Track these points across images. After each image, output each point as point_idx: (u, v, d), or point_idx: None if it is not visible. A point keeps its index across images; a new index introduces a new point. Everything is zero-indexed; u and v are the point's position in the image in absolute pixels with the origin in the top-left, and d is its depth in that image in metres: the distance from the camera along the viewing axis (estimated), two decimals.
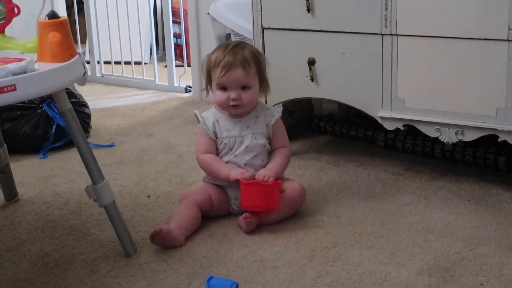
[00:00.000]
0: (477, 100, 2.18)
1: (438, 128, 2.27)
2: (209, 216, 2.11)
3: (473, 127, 2.20)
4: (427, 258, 1.84)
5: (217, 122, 2.14)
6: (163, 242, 1.93)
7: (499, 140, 2.17)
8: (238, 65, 2.06)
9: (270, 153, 2.18)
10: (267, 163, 2.14)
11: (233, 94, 2.08)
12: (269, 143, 2.17)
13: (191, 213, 2.04)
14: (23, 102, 2.84)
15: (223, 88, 2.10)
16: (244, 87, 2.09)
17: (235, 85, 2.08)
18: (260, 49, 2.56)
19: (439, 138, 2.28)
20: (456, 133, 2.24)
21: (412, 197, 2.27)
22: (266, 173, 2.06)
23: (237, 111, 2.11)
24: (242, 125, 2.14)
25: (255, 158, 2.13)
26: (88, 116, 3.11)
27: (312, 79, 2.50)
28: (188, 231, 2.00)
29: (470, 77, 2.17)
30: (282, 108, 2.19)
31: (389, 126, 2.38)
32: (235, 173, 2.06)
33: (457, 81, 2.20)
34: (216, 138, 2.14)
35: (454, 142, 2.26)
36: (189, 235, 2.00)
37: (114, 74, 4.29)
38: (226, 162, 2.12)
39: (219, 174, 2.10)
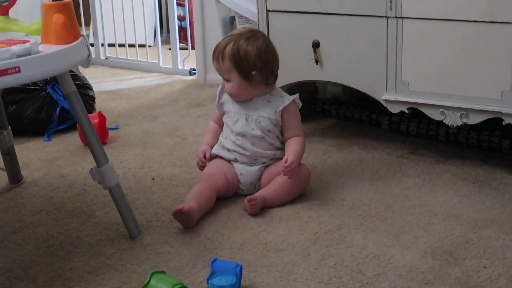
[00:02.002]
0: (482, 83, 2.18)
1: (442, 111, 2.26)
2: (220, 197, 2.12)
3: (478, 110, 2.20)
4: (431, 241, 1.84)
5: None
6: (182, 220, 1.95)
7: (503, 123, 2.17)
8: (214, 58, 2.15)
9: (283, 142, 2.19)
10: (277, 147, 2.17)
11: (222, 82, 2.18)
12: (281, 131, 2.18)
13: (210, 198, 2.07)
14: (27, 85, 2.84)
15: None
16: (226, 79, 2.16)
17: (220, 74, 2.18)
18: (265, 32, 2.55)
19: (443, 121, 2.28)
20: (461, 116, 2.24)
21: (416, 180, 2.26)
22: (292, 162, 2.07)
23: (231, 97, 2.18)
24: (251, 105, 2.17)
25: (263, 140, 2.14)
26: (92, 98, 3.11)
27: (316, 62, 2.49)
28: (201, 215, 2.02)
29: (475, 60, 2.17)
30: (298, 97, 2.19)
31: (394, 109, 2.37)
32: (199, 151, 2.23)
33: (462, 64, 2.19)
34: (223, 110, 2.22)
35: (459, 125, 2.25)
36: None
37: (118, 56, 4.29)
38: (233, 141, 2.15)
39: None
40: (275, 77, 2.19)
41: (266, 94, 2.17)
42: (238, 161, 2.16)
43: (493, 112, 2.17)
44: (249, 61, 2.10)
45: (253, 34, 2.15)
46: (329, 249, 1.82)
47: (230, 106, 2.20)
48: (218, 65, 2.14)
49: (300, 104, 2.20)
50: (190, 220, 1.95)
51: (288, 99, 2.17)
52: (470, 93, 2.20)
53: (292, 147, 2.14)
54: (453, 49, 2.20)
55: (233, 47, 2.11)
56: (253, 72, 2.11)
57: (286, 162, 2.07)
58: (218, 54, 2.13)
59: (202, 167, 2.21)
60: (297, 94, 2.20)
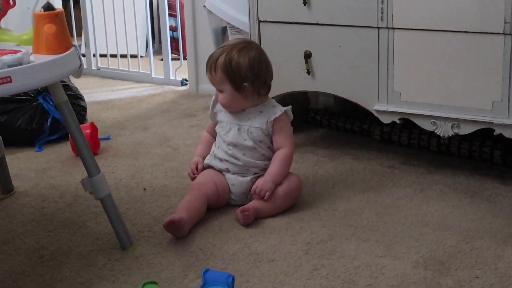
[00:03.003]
0: (473, 93, 2.18)
1: (434, 122, 2.27)
2: (211, 207, 2.12)
3: (469, 120, 2.20)
4: (423, 251, 1.84)
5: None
6: (173, 231, 1.94)
7: (494, 133, 2.18)
8: (207, 68, 2.16)
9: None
10: (269, 157, 2.17)
11: (215, 92, 2.18)
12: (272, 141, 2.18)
13: (200, 207, 2.06)
14: (19, 95, 2.83)
15: None
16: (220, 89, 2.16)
17: (213, 85, 2.18)
18: (256, 42, 2.55)
19: (435, 131, 2.28)
20: (452, 127, 2.24)
21: (408, 190, 2.27)
22: (262, 187, 2.07)
23: (224, 108, 2.18)
24: (244, 116, 2.17)
25: (254, 151, 2.14)
26: (84, 109, 3.11)
27: (308, 72, 2.49)
28: (192, 224, 2.01)
29: (466, 70, 2.17)
30: (290, 109, 2.18)
31: (385, 120, 2.38)
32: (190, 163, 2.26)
33: (453, 75, 2.20)
34: (216, 120, 2.23)
35: (450, 135, 2.26)
36: None
37: (110, 67, 4.28)
38: (225, 151, 2.15)
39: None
40: (269, 88, 2.19)
41: (259, 105, 2.17)
42: (229, 171, 2.16)
43: (484, 122, 2.18)
44: (241, 72, 2.10)
45: (245, 46, 2.15)
46: (321, 260, 1.81)
47: (223, 116, 2.20)
48: (211, 76, 2.14)
49: (292, 116, 2.20)
50: (181, 230, 1.94)
51: (280, 110, 2.16)
52: (461, 104, 2.21)
53: (273, 165, 2.13)
54: (444, 59, 2.20)
55: (225, 58, 2.11)
56: (245, 84, 2.11)
57: (257, 188, 2.08)
58: (211, 65, 2.13)
59: (193, 179, 2.20)
60: (290, 106, 2.19)
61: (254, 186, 2.10)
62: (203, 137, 2.31)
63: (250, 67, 2.11)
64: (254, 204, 2.07)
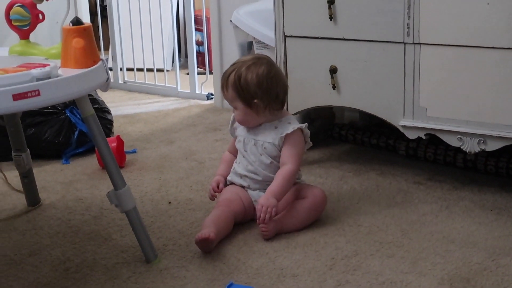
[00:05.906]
0: (500, 109, 2.17)
1: (460, 138, 2.26)
2: (236, 223, 2.12)
3: (496, 136, 2.19)
4: (448, 268, 1.83)
5: None
6: (202, 246, 1.95)
7: None
8: (221, 86, 2.16)
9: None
10: None
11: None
12: None
13: (228, 224, 2.06)
14: (46, 108, 2.86)
15: None
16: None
17: (227, 102, 2.20)
18: (282, 57, 2.56)
19: (461, 147, 2.27)
20: (479, 143, 2.23)
21: (434, 206, 2.25)
22: (265, 204, 2.02)
23: (240, 124, 2.19)
24: (259, 131, 2.16)
25: (271, 165, 2.14)
26: (110, 122, 3.13)
27: (333, 87, 2.49)
28: (219, 240, 2.01)
29: (493, 86, 2.16)
30: (306, 126, 2.15)
31: (411, 135, 2.37)
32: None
33: (479, 90, 2.19)
34: (235, 135, 2.23)
35: (477, 151, 2.24)
36: None
37: (137, 81, 4.32)
38: (245, 166, 2.16)
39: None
40: (282, 103, 2.16)
41: (275, 120, 2.16)
42: (250, 187, 2.16)
43: (511, 138, 2.16)
44: (250, 89, 2.09)
45: (254, 62, 2.12)
46: (346, 275, 1.81)
47: (241, 131, 2.21)
48: (224, 94, 2.15)
49: (309, 133, 2.16)
50: (210, 246, 1.94)
51: (293, 126, 2.13)
52: (488, 120, 2.20)
53: (276, 181, 2.08)
54: (470, 75, 2.19)
55: (235, 76, 2.10)
56: (255, 100, 2.10)
57: (262, 208, 2.02)
58: (223, 83, 2.14)
59: (212, 196, 2.20)
60: (306, 124, 2.16)
61: (258, 206, 2.04)
62: (224, 157, 2.30)
63: (258, 83, 2.09)
64: (277, 218, 2.06)
